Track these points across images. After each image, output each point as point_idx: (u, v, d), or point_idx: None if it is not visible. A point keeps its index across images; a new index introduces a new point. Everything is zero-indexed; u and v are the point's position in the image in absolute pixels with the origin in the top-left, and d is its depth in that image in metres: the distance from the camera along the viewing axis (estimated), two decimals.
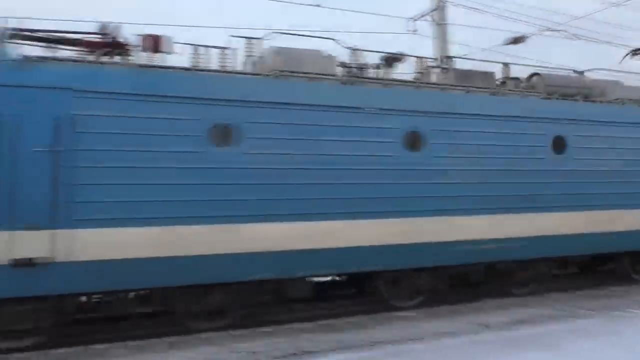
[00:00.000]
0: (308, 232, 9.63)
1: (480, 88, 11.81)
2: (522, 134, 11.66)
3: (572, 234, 12.05)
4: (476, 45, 23.14)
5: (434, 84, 11.39)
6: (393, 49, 11.72)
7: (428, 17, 18.67)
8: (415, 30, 18.53)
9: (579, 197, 12.14)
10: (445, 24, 18.80)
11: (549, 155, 11.93)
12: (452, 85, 11.54)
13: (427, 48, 18.32)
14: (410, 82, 11.23)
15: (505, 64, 12.93)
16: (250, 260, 9.24)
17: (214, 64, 9.87)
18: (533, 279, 12.32)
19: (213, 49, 9.90)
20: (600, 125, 12.59)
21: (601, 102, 13.13)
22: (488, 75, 12.50)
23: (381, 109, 10.37)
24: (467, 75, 12.18)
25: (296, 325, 9.70)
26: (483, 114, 11.32)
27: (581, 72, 13.78)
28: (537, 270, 12.26)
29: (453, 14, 19.80)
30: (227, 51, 9.98)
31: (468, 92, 11.63)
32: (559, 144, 12.06)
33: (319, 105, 9.89)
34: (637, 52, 15.90)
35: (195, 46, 9.79)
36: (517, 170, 11.53)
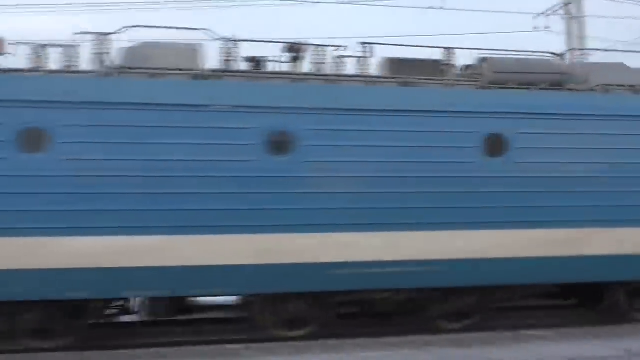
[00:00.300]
0: (134, 247, 8.50)
1: (386, 78, 9.84)
2: (437, 132, 9.48)
3: (513, 257, 9.58)
4: (617, 38, 20.29)
5: (319, 75, 9.63)
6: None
7: (560, 12, 17.12)
8: (547, 27, 17.11)
9: (523, 210, 9.63)
10: (580, 17, 16.75)
11: (479, 158, 9.60)
12: (345, 77, 9.72)
13: (560, 45, 17.01)
14: (286, 74, 9.59)
15: (447, 49, 10.70)
16: (61, 278, 8.33)
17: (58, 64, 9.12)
18: (478, 310, 10.04)
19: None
20: (563, 119, 9.92)
21: (572, 90, 10.40)
22: (432, 64, 10.42)
23: (236, 106, 8.92)
24: (403, 64, 10.24)
25: (426, 338, 9.24)
26: (382, 109, 9.36)
27: (561, 55, 11.09)
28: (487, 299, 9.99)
29: (588, 6, 18.20)
30: (70, 50, 9.18)
31: (370, 83, 9.73)
32: (495, 145, 9.67)
33: (156, 105, 8.70)
34: None
35: (34, 45, 9.11)
36: (428, 178, 9.38)
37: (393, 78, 9.83)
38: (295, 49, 10.16)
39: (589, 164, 9.89)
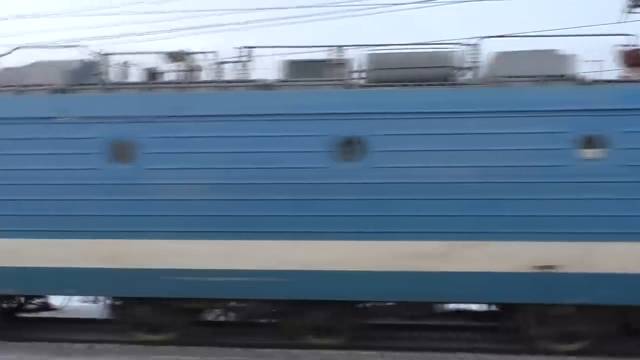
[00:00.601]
0: None
1: (243, 82, 9.50)
2: (284, 136, 8.96)
3: (368, 270, 8.68)
4: None
5: (168, 83, 9.63)
6: None
7: None
8: None
9: (381, 220, 8.71)
10: None
11: (331, 163, 8.87)
12: (197, 83, 9.60)
13: None
14: (141, 84, 9.72)
15: (338, 47, 9.98)
16: None
17: None
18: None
19: None
20: (433, 118, 8.79)
21: (462, 85, 9.15)
22: (323, 64, 9.89)
23: (81, 117, 9.29)
24: (300, 66, 9.87)
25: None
26: (227, 115, 9.10)
27: (474, 45, 9.74)
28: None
29: None
30: None
31: (225, 88, 9.49)
32: (350, 148, 8.87)
33: (14, 119, 9.40)
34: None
35: None
36: (274, 184, 8.90)
37: (249, 82, 9.51)
38: (176, 57, 10.32)
39: (465, 167, 8.63)
